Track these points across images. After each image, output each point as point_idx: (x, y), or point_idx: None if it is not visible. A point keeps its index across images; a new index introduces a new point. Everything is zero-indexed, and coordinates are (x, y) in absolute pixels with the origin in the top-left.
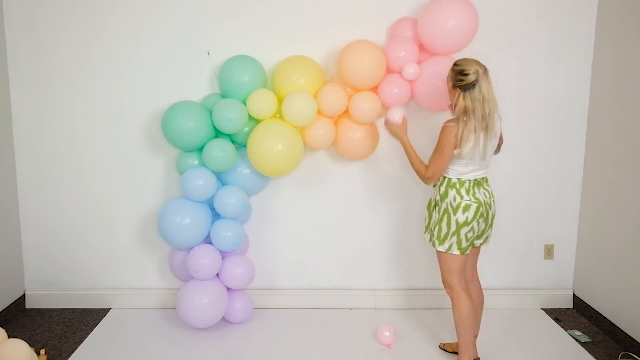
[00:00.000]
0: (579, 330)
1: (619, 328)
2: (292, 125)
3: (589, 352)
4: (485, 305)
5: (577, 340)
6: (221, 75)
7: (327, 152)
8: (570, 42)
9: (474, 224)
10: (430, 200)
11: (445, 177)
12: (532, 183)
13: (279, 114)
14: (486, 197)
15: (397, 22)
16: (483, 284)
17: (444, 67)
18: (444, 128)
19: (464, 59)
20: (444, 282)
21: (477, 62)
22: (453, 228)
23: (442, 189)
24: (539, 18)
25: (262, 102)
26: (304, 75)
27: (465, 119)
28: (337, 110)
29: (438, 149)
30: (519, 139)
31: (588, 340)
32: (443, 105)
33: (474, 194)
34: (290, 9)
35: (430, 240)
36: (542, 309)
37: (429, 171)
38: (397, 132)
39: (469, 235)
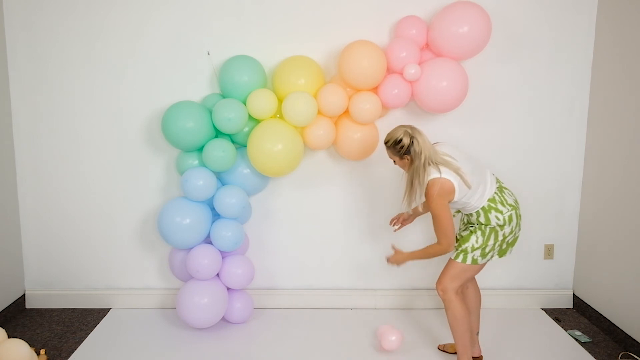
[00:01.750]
0: (579, 330)
1: (619, 328)
2: (292, 125)
3: (589, 352)
4: (485, 305)
5: (577, 340)
6: (221, 75)
7: (327, 152)
8: (570, 42)
9: (517, 229)
10: (462, 221)
11: (478, 210)
12: (532, 183)
13: (279, 114)
14: (513, 197)
15: (401, 20)
16: (483, 284)
17: (446, 68)
18: (429, 193)
19: (388, 133)
20: (439, 283)
21: (399, 126)
22: (500, 239)
23: (483, 218)
24: (539, 18)
25: (262, 102)
26: (304, 75)
27: (416, 177)
28: (337, 111)
29: (436, 216)
30: (519, 139)
31: (588, 340)
32: (443, 106)
33: (506, 202)
34: (291, 9)
35: (456, 258)
36: (542, 309)
37: (444, 240)
38: (397, 262)
39: (509, 239)
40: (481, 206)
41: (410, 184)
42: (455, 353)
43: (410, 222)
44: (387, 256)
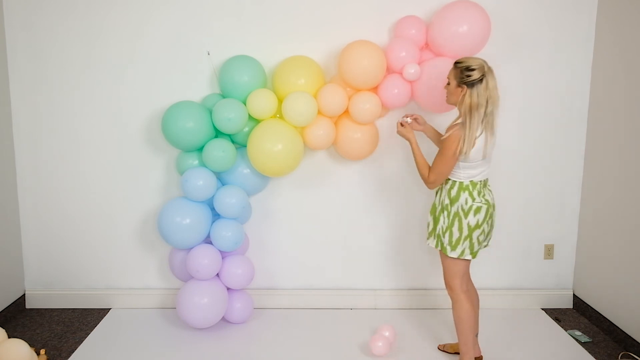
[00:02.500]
0: (579, 330)
1: (619, 328)
2: (292, 125)
3: (589, 352)
4: (485, 305)
5: (577, 340)
6: (221, 75)
7: (327, 152)
8: (570, 42)
9: (485, 226)
10: (434, 204)
11: (456, 180)
12: (532, 183)
13: (279, 114)
14: (491, 197)
15: (400, 20)
16: (483, 284)
17: (445, 68)
18: (451, 135)
19: (467, 57)
20: (446, 283)
21: (481, 59)
22: (465, 232)
23: (454, 192)
24: (539, 18)
25: (262, 102)
26: (304, 75)
27: (468, 119)
28: (337, 111)
29: (443, 155)
30: (519, 139)
31: (588, 340)
32: (443, 106)
33: (483, 196)
34: (291, 9)
35: (437, 246)
36: (542, 309)
37: (432, 175)
38: (403, 132)
39: (481, 238)
40: (461, 181)
41: (469, 116)
42: (455, 353)
43: (418, 128)
44: (404, 121)
